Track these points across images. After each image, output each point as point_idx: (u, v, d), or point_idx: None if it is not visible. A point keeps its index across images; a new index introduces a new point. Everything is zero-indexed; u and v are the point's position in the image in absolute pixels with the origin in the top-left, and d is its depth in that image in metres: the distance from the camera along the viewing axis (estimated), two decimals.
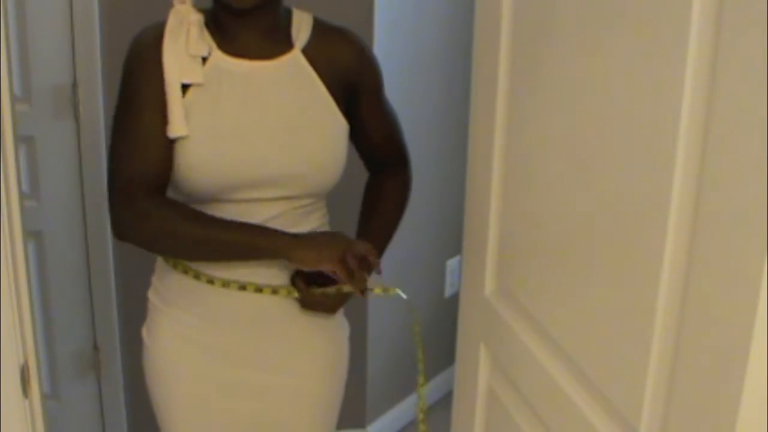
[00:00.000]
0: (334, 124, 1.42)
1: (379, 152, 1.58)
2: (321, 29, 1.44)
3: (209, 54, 1.37)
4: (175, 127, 1.33)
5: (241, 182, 1.37)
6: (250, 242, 1.36)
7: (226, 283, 1.41)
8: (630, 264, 0.86)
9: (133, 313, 2.08)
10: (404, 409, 2.78)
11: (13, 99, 1.20)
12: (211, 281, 1.41)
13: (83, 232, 2.29)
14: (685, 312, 0.77)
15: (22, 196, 1.21)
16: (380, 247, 1.54)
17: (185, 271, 1.43)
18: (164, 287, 1.48)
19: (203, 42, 1.36)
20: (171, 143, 1.34)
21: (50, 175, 2.24)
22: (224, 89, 1.36)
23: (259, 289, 1.42)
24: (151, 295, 1.52)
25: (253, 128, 1.37)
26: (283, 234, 1.37)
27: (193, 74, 1.34)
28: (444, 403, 2.74)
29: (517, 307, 1.17)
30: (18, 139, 1.20)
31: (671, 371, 0.80)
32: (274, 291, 1.42)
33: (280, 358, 1.49)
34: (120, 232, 1.36)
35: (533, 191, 1.10)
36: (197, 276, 1.42)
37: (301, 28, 1.42)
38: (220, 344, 1.46)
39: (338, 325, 1.56)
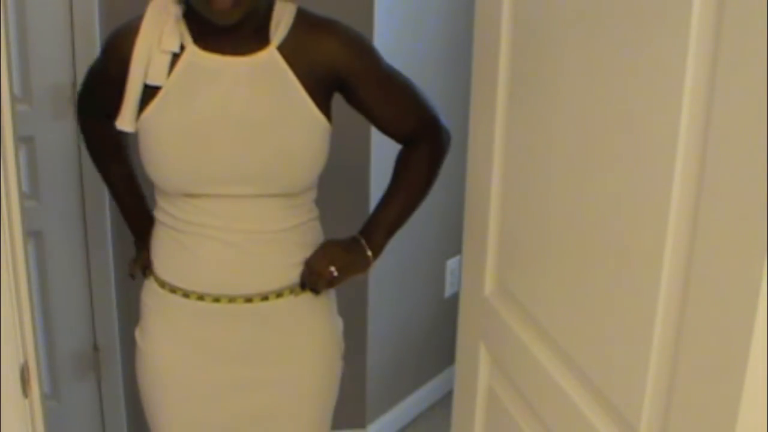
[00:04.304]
0: (308, 122, 1.38)
1: (402, 129, 1.51)
2: (303, 23, 1.39)
3: (183, 49, 1.36)
4: (123, 122, 1.39)
5: (208, 179, 1.36)
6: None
7: (200, 297, 1.43)
8: (630, 264, 0.86)
9: (133, 313, 2.07)
10: (404, 409, 2.77)
11: (13, 99, 1.20)
12: (186, 295, 1.44)
13: (83, 232, 2.28)
14: (685, 312, 0.77)
15: (22, 196, 1.21)
16: (391, 228, 1.51)
17: (162, 285, 1.46)
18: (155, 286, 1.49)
19: (176, 37, 1.35)
20: (120, 92, 1.42)
21: (50, 175, 2.23)
22: (197, 84, 1.36)
23: (232, 299, 1.43)
24: (143, 295, 1.52)
25: (221, 125, 1.35)
26: None
27: (158, 74, 1.36)
28: (444, 403, 2.75)
29: (517, 307, 1.17)
30: (18, 139, 1.20)
31: (671, 371, 0.80)
32: (248, 299, 1.43)
33: (271, 353, 1.49)
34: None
35: (533, 191, 1.10)
36: (173, 290, 1.46)
37: (281, 23, 1.38)
38: (211, 340, 1.46)
39: (331, 321, 1.55)
